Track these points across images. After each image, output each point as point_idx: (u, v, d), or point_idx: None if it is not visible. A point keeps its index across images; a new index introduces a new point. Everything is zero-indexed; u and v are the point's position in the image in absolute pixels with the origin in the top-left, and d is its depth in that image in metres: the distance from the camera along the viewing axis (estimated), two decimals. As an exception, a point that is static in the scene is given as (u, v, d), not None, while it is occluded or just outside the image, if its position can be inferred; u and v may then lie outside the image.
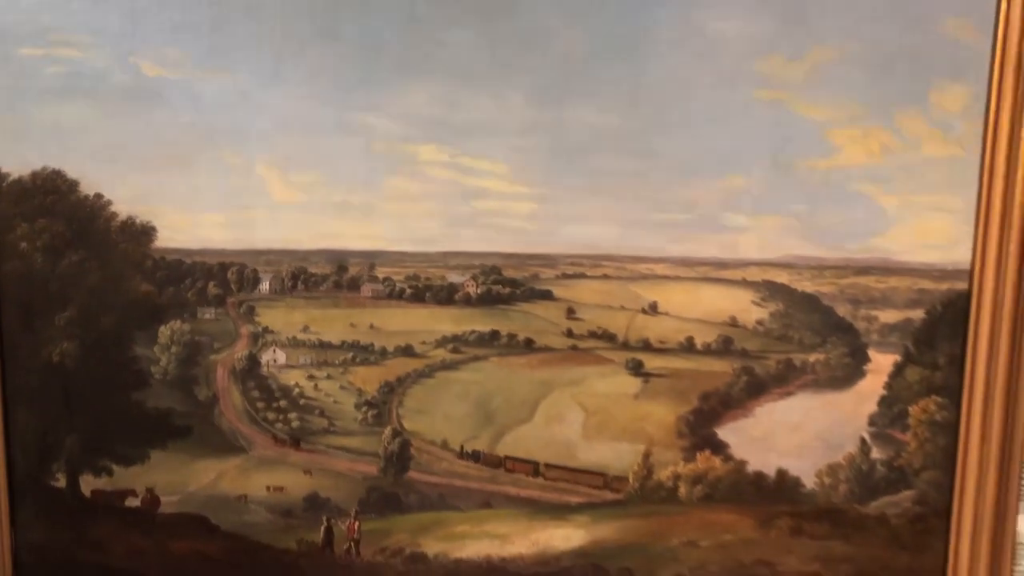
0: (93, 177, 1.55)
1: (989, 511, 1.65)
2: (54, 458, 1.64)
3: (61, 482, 1.65)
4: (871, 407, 1.66)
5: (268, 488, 1.68)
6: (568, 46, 1.52)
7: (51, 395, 1.61)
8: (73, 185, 1.55)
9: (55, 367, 1.60)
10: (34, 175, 1.54)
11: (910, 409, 1.65)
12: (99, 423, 1.64)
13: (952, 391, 1.64)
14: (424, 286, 1.63)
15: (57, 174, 1.54)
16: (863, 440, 1.67)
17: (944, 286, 1.61)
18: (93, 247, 1.58)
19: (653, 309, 1.64)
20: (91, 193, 1.56)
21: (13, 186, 1.54)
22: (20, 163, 1.53)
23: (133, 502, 1.67)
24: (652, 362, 1.65)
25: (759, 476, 1.68)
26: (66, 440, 1.63)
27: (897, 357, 1.64)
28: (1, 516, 1.63)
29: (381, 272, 1.62)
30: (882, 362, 1.65)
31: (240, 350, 1.64)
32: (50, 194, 1.55)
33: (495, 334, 1.65)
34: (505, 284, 1.62)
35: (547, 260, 1.60)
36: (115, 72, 1.51)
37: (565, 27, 1.51)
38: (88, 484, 1.66)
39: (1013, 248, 1.57)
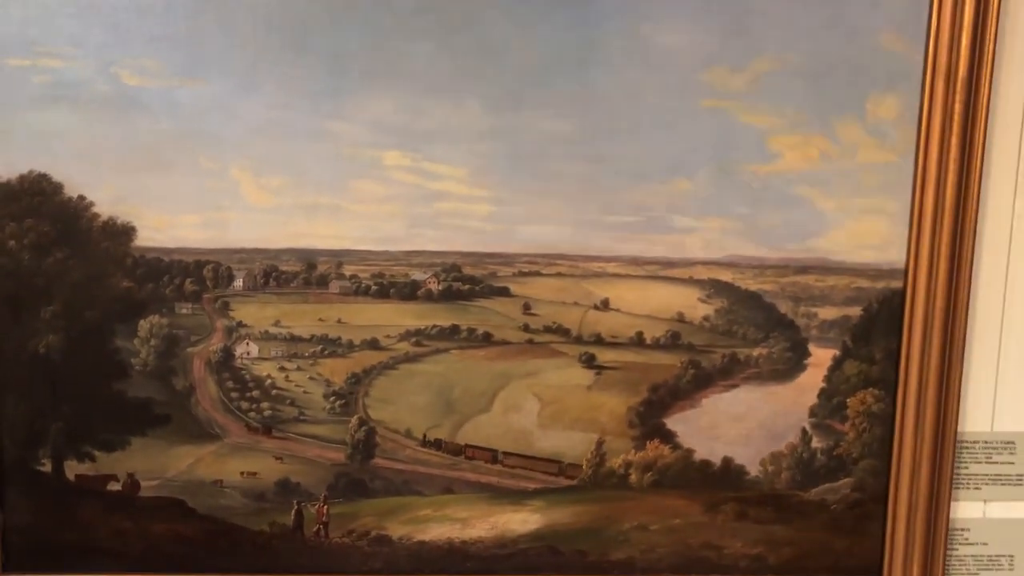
0: (77, 180, 1.61)
1: (923, 497, 1.75)
2: (40, 444, 1.70)
3: (47, 467, 1.71)
4: (811, 399, 1.75)
5: (242, 473, 1.74)
6: (523, 58, 1.59)
7: (37, 385, 1.67)
8: (58, 187, 1.61)
9: (41, 358, 1.66)
10: (21, 178, 1.60)
11: (848, 401, 1.74)
12: (83, 411, 1.70)
13: (888, 384, 1.73)
14: (389, 283, 1.69)
15: (43, 177, 1.60)
16: (804, 430, 1.76)
17: (880, 284, 1.69)
18: (77, 246, 1.63)
19: (605, 305, 1.72)
20: (75, 195, 1.61)
21: (1, 188, 1.59)
22: (8, 167, 1.59)
23: (115, 486, 1.73)
24: (604, 355, 1.73)
25: (706, 464, 1.76)
26: (51, 427, 1.69)
27: (836, 352, 1.73)
28: (-10, 499, 1.72)
29: (348, 270, 1.68)
30: (822, 356, 1.73)
31: (215, 343, 1.71)
32: (36, 196, 1.61)
33: (455, 328, 1.71)
34: (465, 281, 1.68)
35: (504, 259, 1.67)
36: (97, 81, 1.57)
37: (520, 40, 1.58)
38: (72, 469, 1.72)
39: (944, 249, 1.66)
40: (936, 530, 1.76)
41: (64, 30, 1.56)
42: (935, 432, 1.72)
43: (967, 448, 1.79)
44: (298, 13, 1.56)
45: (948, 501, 1.76)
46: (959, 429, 1.76)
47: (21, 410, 1.69)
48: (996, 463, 1.80)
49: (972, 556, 1.84)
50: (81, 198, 1.63)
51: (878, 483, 1.76)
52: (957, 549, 1.83)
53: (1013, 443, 1.79)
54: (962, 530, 1.82)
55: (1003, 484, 1.81)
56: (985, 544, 1.83)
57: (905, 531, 1.76)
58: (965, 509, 1.82)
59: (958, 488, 1.80)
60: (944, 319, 1.68)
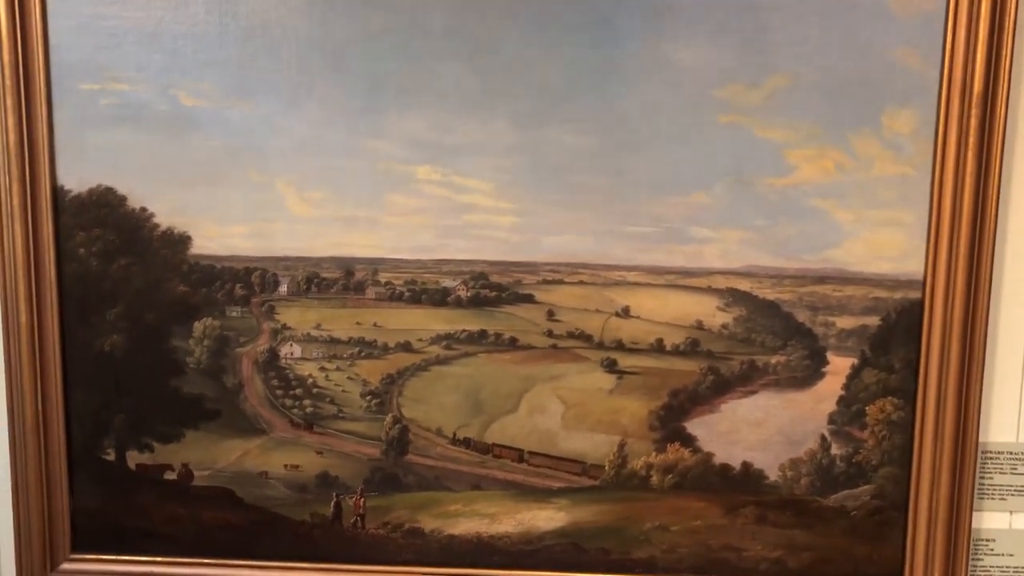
0: (139, 193, 1.76)
1: (944, 506, 1.76)
2: (105, 435, 1.85)
3: (111, 456, 1.86)
4: (830, 406, 1.78)
5: (285, 466, 1.85)
6: (547, 76, 1.68)
7: (103, 380, 1.83)
8: (122, 200, 1.76)
9: (106, 356, 1.82)
10: (90, 191, 1.75)
11: (867, 409, 1.76)
12: (143, 405, 1.84)
13: (907, 393, 1.75)
14: (421, 290, 1.79)
15: (109, 191, 1.76)
16: (823, 437, 1.79)
17: (898, 295, 1.72)
18: (138, 253, 1.78)
19: (626, 313, 1.78)
20: (137, 207, 1.76)
21: (73, 201, 1.75)
22: (79, 181, 1.75)
23: (171, 475, 1.87)
24: (625, 361, 1.79)
25: (725, 467, 1.81)
26: (115, 419, 1.85)
27: (854, 360, 1.75)
28: (62, 484, 1.85)
29: (383, 277, 1.78)
30: (840, 364, 1.76)
31: (262, 344, 1.83)
32: (103, 208, 1.76)
33: (483, 333, 1.80)
34: (492, 288, 1.77)
35: (529, 267, 1.76)
36: (158, 103, 1.72)
37: (544, 60, 1.67)
38: (133, 458, 1.86)
39: (962, 261, 1.68)
40: (957, 539, 1.77)
41: (129, 57, 1.71)
42: (955, 441, 1.73)
43: (991, 459, 1.80)
44: (337, 37, 1.68)
45: (970, 510, 1.76)
46: (983, 440, 1.78)
47: (88, 403, 1.84)
48: (1022, 474, 1.80)
49: (997, 567, 1.84)
50: (143, 209, 1.77)
51: (898, 491, 1.78)
52: (983, 559, 1.84)
53: (1039, 455, 1.79)
54: (988, 540, 1.83)
55: (1029, 496, 1.81)
56: (1011, 555, 1.83)
57: (926, 539, 1.77)
58: (991, 520, 1.82)
59: (983, 499, 1.81)
60: (963, 330, 1.70)
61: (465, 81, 1.69)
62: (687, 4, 1.64)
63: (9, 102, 1.70)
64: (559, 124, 1.70)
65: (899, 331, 1.73)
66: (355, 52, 1.69)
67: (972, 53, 1.61)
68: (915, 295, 1.71)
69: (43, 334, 1.80)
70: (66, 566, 1.89)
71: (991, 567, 1.84)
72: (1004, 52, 1.61)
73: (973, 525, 1.78)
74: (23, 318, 1.78)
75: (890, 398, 1.76)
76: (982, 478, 1.80)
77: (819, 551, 1.81)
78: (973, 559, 1.82)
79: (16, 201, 1.74)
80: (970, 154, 1.64)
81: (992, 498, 1.81)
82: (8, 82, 1.70)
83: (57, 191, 1.76)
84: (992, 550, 1.83)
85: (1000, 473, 1.80)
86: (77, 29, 1.70)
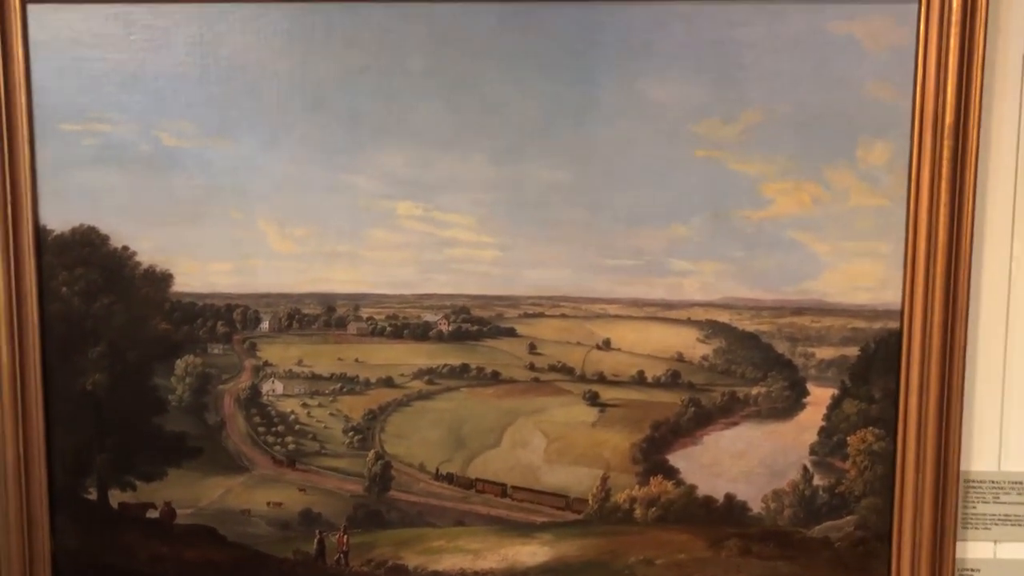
0: (121, 232, 1.76)
1: (927, 536, 1.76)
2: (87, 474, 1.84)
3: (93, 495, 1.85)
4: (812, 437, 1.78)
5: (268, 503, 1.85)
6: (524, 113, 1.70)
7: (85, 419, 1.82)
8: (105, 239, 1.77)
9: (88, 394, 1.81)
10: (73, 231, 1.76)
11: (848, 439, 1.77)
12: (125, 444, 1.84)
13: (888, 422, 1.76)
14: (402, 324, 1.80)
15: (91, 230, 1.76)
16: (805, 468, 1.79)
17: (877, 325, 1.73)
18: (121, 291, 1.79)
19: (607, 345, 1.79)
20: (119, 246, 1.77)
21: (56, 240, 1.76)
22: (62, 221, 1.76)
23: (153, 514, 1.85)
24: (607, 393, 1.80)
25: (708, 500, 1.81)
26: (97, 458, 1.84)
27: (834, 391, 1.76)
28: (43, 524, 1.84)
29: (365, 312, 1.79)
30: (820, 395, 1.77)
31: (244, 381, 1.83)
32: (86, 247, 1.77)
33: (465, 367, 1.80)
34: (473, 323, 1.78)
35: (510, 301, 1.76)
36: (140, 143, 1.73)
37: (521, 97, 1.70)
38: (115, 497, 1.85)
39: (938, 290, 1.70)
40: (942, 570, 1.77)
41: (111, 98, 1.73)
42: (936, 470, 1.74)
43: (974, 488, 1.80)
44: (316, 76, 1.70)
45: (954, 540, 1.76)
46: (965, 468, 1.78)
47: (70, 442, 1.84)
48: (1005, 503, 1.80)
49: (983, 597, 1.83)
50: (125, 248, 1.78)
51: (882, 521, 1.78)
52: (968, 590, 1.83)
53: (1021, 483, 1.79)
54: (972, 570, 1.82)
55: (1013, 524, 1.80)
56: (997, 585, 1.83)
57: (910, 570, 1.77)
58: (975, 549, 1.82)
59: (967, 528, 1.81)
60: (941, 358, 1.71)
61: (444, 118, 1.71)
62: (661, 41, 1.67)
63: (-8, 143, 1.72)
64: (537, 159, 1.72)
65: (878, 361, 1.74)
66: (335, 91, 1.71)
67: (943, 85, 1.64)
68: (893, 325, 1.73)
69: (25, 373, 1.79)
70: (47, 607, 1.88)
71: (977, 597, 1.83)
72: (974, 83, 1.63)
73: (957, 555, 1.78)
74: (5, 357, 1.78)
75: (871, 428, 1.76)
76: (965, 507, 1.80)
77: (804, 583, 1.81)
78: (958, 589, 1.82)
79: (-1, 241, 1.75)
80: (943, 184, 1.66)
81: (976, 527, 1.81)
82: (-9, 124, 1.71)
83: (40, 230, 1.76)
84: (977, 580, 1.83)
85: (983, 502, 1.80)
86: (59, 71, 1.72)
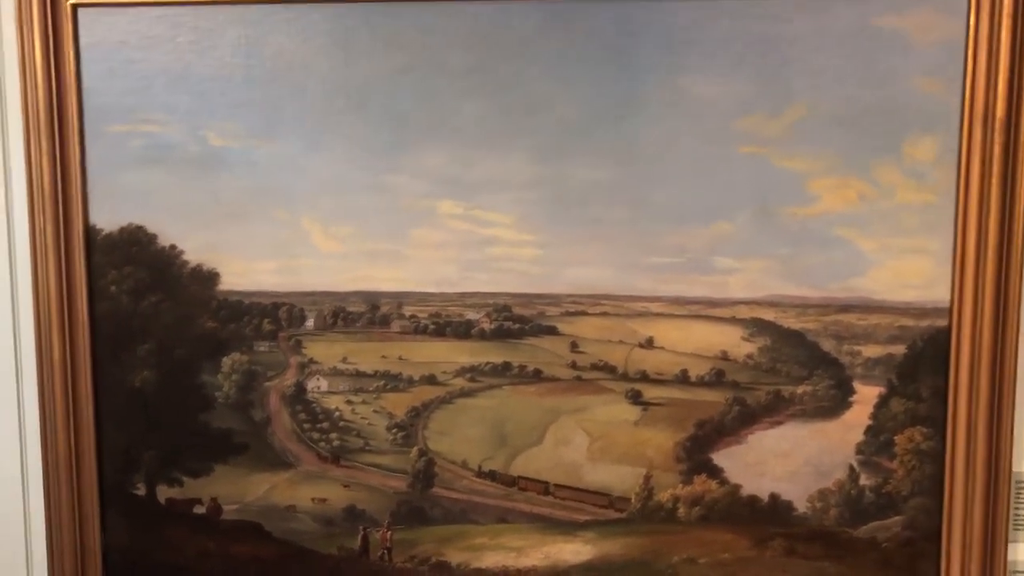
0: (169, 231, 1.79)
1: (978, 537, 1.73)
2: (136, 470, 1.88)
3: (142, 491, 1.88)
4: (858, 436, 1.76)
5: (313, 500, 1.87)
6: (566, 111, 1.70)
7: (134, 416, 1.86)
8: (152, 238, 1.80)
9: (137, 392, 1.85)
10: (121, 230, 1.80)
11: (896, 438, 1.74)
12: (172, 440, 1.87)
13: (936, 421, 1.73)
14: (445, 322, 1.81)
15: (140, 229, 1.80)
16: (852, 467, 1.77)
17: (924, 323, 1.71)
18: (168, 290, 1.82)
19: (649, 344, 1.78)
20: (167, 244, 1.80)
21: (105, 240, 1.79)
22: (110, 221, 1.79)
23: (200, 510, 1.88)
24: (650, 392, 1.80)
25: (753, 499, 1.79)
26: (145, 454, 1.87)
27: (881, 389, 1.74)
28: (93, 519, 1.88)
29: (408, 310, 1.80)
30: (867, 394, 1.75)
31: (289, 378, 1.86)
32: (134, 246, 1.80)
33: (507, 365, 1.81)
34: (515, 321, 1.79)
35: (552, 299, 1.77)
36: (187, 143, 1.76)
37: (563, 95, 1.69)
38: (163, 493, 1.88)
39: (989, 287, 1.67)
40: (993, 571, 1.73)
41: (159, 99, 1.76)
42: (987, 471, 1.71)
43: (1026, 489, 1.77)
44: (360, 77, 1.71)
45: (1005, 542, 1.73)
46: (1017, 469, 1.75)
47: (120, 439, 1.87)
48: (1057, 504, 1.77)
49: (1035, 600, 1.80)
50: (173, 247, 1.81)
51: (930, 522, 1.75)
52: (1020, 593, 1.80)
53: (1074, 484, 1.76)
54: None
55: (1066, 526, 1.77)
56: (1049, 588, 1.80)
57: (960, 571, 1.74)
58: (1027, 551, 1.80)
59: (1019, 529, 1.77)
60: (992, 356, 1.68)
61: (485, 117, 1.71)
62: (705, 37, 1.66)
63: (44, 145, 1.75)
64: (579, 157, 1.71)
65: (926, 359, 1.72)
66: (378, 91, 1.72)
67: (994, 79, 1.61)
68: (942, 323, 1.70)
69: (76, 371, 1.83)
70: (98, 600, 1.92)
71: (1028, 600, 1.80)
72: (1026, 77, 1.61)
73: (1009, 557, 1.75)
74: (56, 355, 1.81)
75: (919, 427, 1.74)
76: (1017, 508, 1.77)
77: (850, 584, 1.79)
78: (1009, 591, 1.79)
79: (50, 241, 1.78)
80: (994, 180, 1.63)
81: (1028, 529, 1.78)
82: (43, 126, 1.75)
83: (89, 230, 1.80)
84: (1029, 582, 1.80)
85: (1035, 503, 1.77)
86: (109, 73, 1.75)
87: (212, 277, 1.82)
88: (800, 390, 1.77)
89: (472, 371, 1.82)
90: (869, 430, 1.76)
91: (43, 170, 1.76)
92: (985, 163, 1.64)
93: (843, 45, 1.65)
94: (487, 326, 1.80)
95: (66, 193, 1.78)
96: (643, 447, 1.81)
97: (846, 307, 1.72)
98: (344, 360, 1.85)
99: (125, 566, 1.91)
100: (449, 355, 1.82)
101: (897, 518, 1.77)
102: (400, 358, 1.84)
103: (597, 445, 1.82)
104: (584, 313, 1.77)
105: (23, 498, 1.92)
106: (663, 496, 1.81)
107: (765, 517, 1.79)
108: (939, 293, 1.69)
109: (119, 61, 1.75)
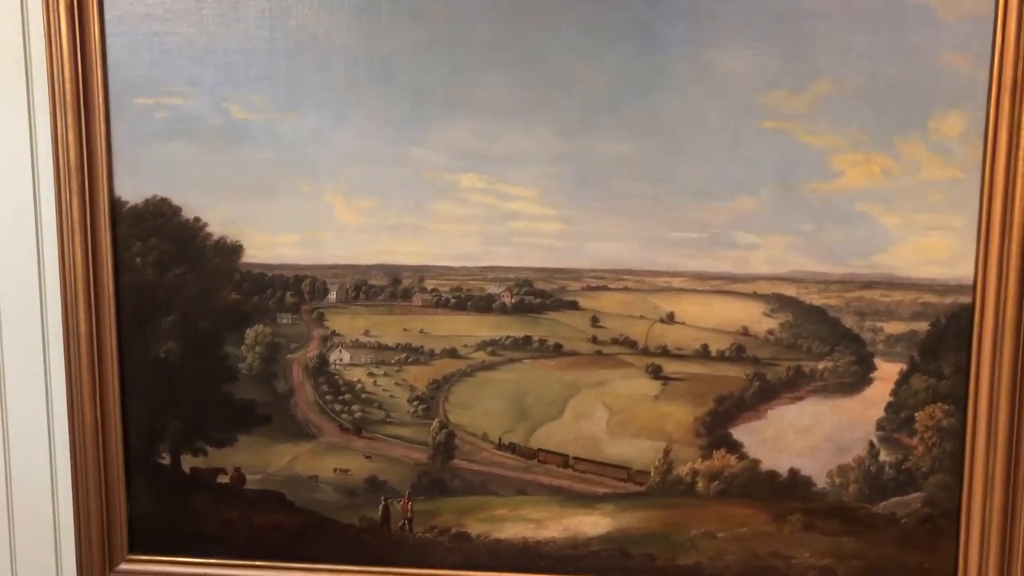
0: (193, 203, 1.81)
1: (997, 515, 1.73)
2: (160, 440, 1.90)
3: (166, 460, 1.91)
4: (878, 412, 1.76)
5: (335, 470, 1.89)
6: (590, 84, 1.70)
7: (158, 387, 1.88)
8: (177, 210, 1.81)
9: (161, 363, 1.87)
10: (146, 202, 1.81)
11: (917, 415, 1.74)
12: (196, 411, 1.89)
13: (958, 399, 1.73)
14: (466, 296, 1.81)
15: (164, 202, 1.81)
16: (871, 443, 1.77)
17: (948, 300, 1.70)
18: (192, 262, 1.83)
19: (670, 319, 1.79)
20: (191, 217, 1.81)
21: (130, 212, 1.81)
22: (135, 193, 1.81)
23: (224, 479, 1.91)
24: (670, 367, 1.80)
25: (772, 474, 1.80)
26: (170, 425, 1.90)
27: (903, 366, 1.74)
28: (119, 488, 1.91)
29: (429, 284, 1.81)
30: (888, 370, 1.75)
31: (312, 350, 1.87)
32: (158, 218, 1.81)
33: (528, 339, 1.82)
34: (536, 295, 1.79)
35: (573, 274, 1.77)
36: (210, 116, 1.77)
37: (587, 68, 1.69)
38: (187, 462, 1.91)
39: (1014, 264, 1.66)
40: (1012, 548, 1.74)
41: (183, 72, 1.76)
42: (1008, 448, 1.71)
43: (1046, 466, 1.77)
44: (383, 50, 1.71)
45: (1024, 519, 1.74)
46: (1038, 447, 1.75)
47: (145, 409, 1.90)
48: (1078, 482, 1.76)
49: (1054, 577, 1.80)
50: (197, 220, 1.82)
51: (950, 499, 1.76)
52: (1039, 570, 1.80)
53: (1096, 462, 1.75)
54: (1043, 550, 1.80)
55: (1086, 504, 1.77)
56: (1068, 565, 1.80)
57: (979, 549, 1.74)
58: (1046, 529, 1.79)
59: (1038, 507, 1.78)
60: (1015, 334, 1.67)
61: (509, 91, 1.71)
62: (730, 11, 1.65)
63: (70, 118, 1.76)
64: (603, 131, 1.71)
65: (949, 336, 1.71)
66: (401, 64, 1.72)
67: (1023, 53, 1.59)
68: (965, 299, 1.69)
69: (101, 342, 1.85)
70: (123, 567, 1.94)
71: (1047, 577, 1.80)
72: (1055, 52, 1.59)
73: (1028, 534, 1.76)
74: (82, 327, 1.84)
75: (940, 404, 1.74)
76: (1037, 486, 1.77)
77: (869, 559, 1.79)
78: (1028, 568, 1.79)
79: (76, 214, 1.80)
80: (1022, 154, 1.62)
81: (1047, 506, 1.78)
82: (69, 99, 1.76)
83: (115, 203, 1.81)
84: (1048, 559, 1.80)
85: (1055, 481, 1.77)
86: (133, 46, 1.76)
87: (236, 249, 1.83)
88: (821, 366, 1.77)
89: (493, 345, 1.83)
90: (890, 407, 1.76)
91: (69, 143, 1.78)
92: (1013, 138, 1.62)
93: (870, 20, 1.63)
94: (508, 300, 1.80)
95: (91, 166, 1.80)
96: (663, 421, 1.81)
97: (869, 283, 1.72)
98: (366, 333, 1.86)
99: (150, 534, 1.94)
100: (470, 329, 1.83)
101: (917, 495, 1.77)
102: (421, 331, 1.85)
103: (617, 419, 1.83)
104: (606, 288, 1.77)
105: (50, 467, 1.95)
106: (682, 470, 1.82)
107: (784, 492, 1.80)
108: (963, 270, 1.69)
109: (144, 34, 1.75)
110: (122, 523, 1.93)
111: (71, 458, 1.90)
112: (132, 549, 1.94)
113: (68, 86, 1.75)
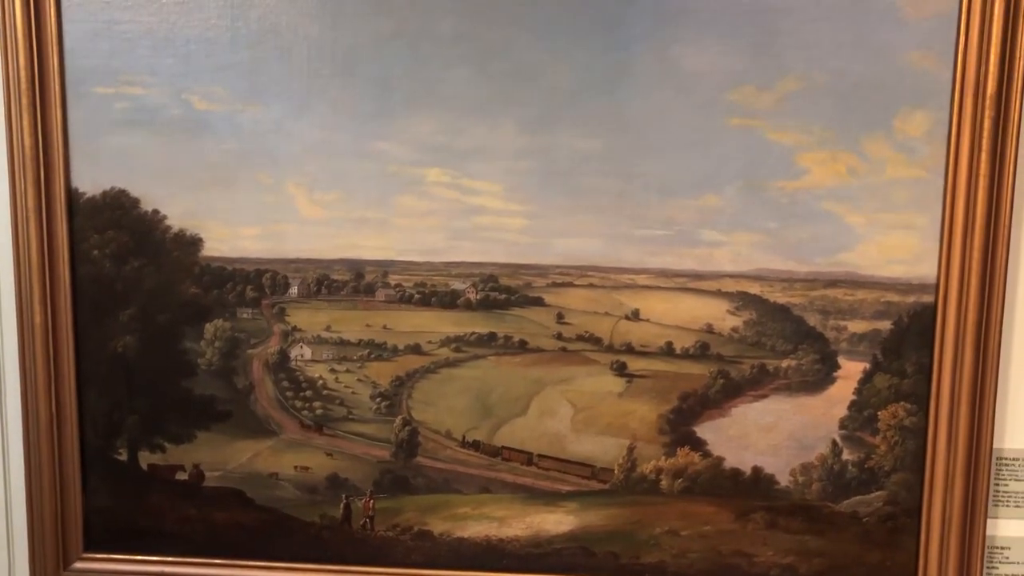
0: (152, 195, 1.77)
1: (958, 513, 1.74)
2: (117, 435, 1.87)
3: (124, 456, 1.88)
4: (842, 411, 1.76)
5: (296, 468, 1.86)
6: (556, 80, 1.68)
7: (116, 381, 1.84)
8: (135, 202, 1.78)
9: (119, 357, 1.83)
10: (104, 194, 1.77)
11: (879, 414, 1.75)
12: (155, 406, 1.86)
13: (920, 398, 1.73)
14: (430, 292, 1.79)
15: (122, 193, 1.77)
16: (834, 442, 1.77)
17: (911, 299, 1.71)
18: (151, 255, 1.80)
19: (635, 316, 1.78)
20: (150, 209, 1.78)
21: (87, 203, 1.77)
22: (93, 184, 1.77)
23: (182, 476, 1.88)
24: (635, 364, 1.79)
25: (736, 472, 1.80)
26: (127, 420, 1.86)
27: (866, 365, 1.74)
28: (75, 484, 1.87)
29: (393, 279, 1.79)
30: (851, 369, 1.75)
31: (273, 346, 1.84)
32: (116, 210, 1.78)
33: (493, 335, 1.80)
34: (501, 291, 1.77)
35: (538, 270, 1.76)
36: (170, 106, 1.73)
37: (553, 63, 1.67)
38: (145, 459, 1.88)
39: (975, 264, 1.66)
40: (972, 546, 1.75)
41: (143, 61, 1.73)
42: (969, 447, 1.71)
43: (1007, 465, 1.78)
44: (347, 42, 1.69)
45: (984, 517, 1.74)
46: (998, 445, 1.76)
47: (101, 404, 1.86)
48: (1037, 481, 1.78)
49: (1013, 575, 1.81)
50: (155, 212, 1.79)
51: (911, 497, 1.76)
52: (997, 568, 1.81)
53: (1055, 461, 1.77)
54: (1003, 548, 1.80)
55: (1045, 503, 1.79)
56: (1027, 564, 1.81)
57: (939, 546, 1.75)
58: (1006, 527, 1.80)
59: (998, 506, 1.79)
60: (976, 334, 1.68)
61: (474, 85, 1.69)
62: (697, 7, 1.64)
63: (25, 105, 1.72)
64: (569, 127, 1.70)
65: (912, 335, 1.72)
66: (365, 56, 1.69)
67: (985, 54, 1.60)
68: (928, 299, 1.70)
69: (57, 335, 1.82)
70: (78, 565, 1.90)
71: (1006, 575, 1.81)
72: (1018, 52, 1.59)
73: (988, 532, 1.76)
74: (37, 319, 1.80)
75: (903, 403, 1.74)
76: (997, 485, 1.78)
77: (831, 557, 1.79)
78: (988, 567, 1.80)
79: (31, 203, 1.76)
80: (984, 155, 1.63)
81: (1007, 505, 1.79)
82: (24, 86, 1.72)
83: (72, 193, 1.78)
84: (1007, 558, 1.81)
85: (1015, 480, 1.78)
86: (92, 34, 1.72)
87: (195, 242, 1.80)
88: (785, 364, 1.77)
89: (457, 341, 1.81)
90: (853, 405, 1.76)
91: (24, 132, 1.74)
92: (975, 138, 1.63)
93: (836, 18, 1.63)
94: (473, 296, 1.79)
95: (47, 156, 1.76)
96: (627, 419, 1.81)
97: (832, 282, 1.72)
98: (328, 328, 1.83)
99: (106, 529, 1.91)
100: (434, 325, 1.81)
101: (879, 493, 1.77)
102: (385, 327, 1.83)
103: (581, 416, 1.82)
104: (571, 284, 1.76)
105: (3, 462, 1.91)
106: (646, 468, 1.81)
107: (747, 490, 1.80)
108: (926, 269, 1.69)
109: (102, 22, 1.72)
110: (77, 521, 1.89)
111: (24, 454, 1.86)
112: (88, 547, 1.91)
113: (23, 72, 1.71)
